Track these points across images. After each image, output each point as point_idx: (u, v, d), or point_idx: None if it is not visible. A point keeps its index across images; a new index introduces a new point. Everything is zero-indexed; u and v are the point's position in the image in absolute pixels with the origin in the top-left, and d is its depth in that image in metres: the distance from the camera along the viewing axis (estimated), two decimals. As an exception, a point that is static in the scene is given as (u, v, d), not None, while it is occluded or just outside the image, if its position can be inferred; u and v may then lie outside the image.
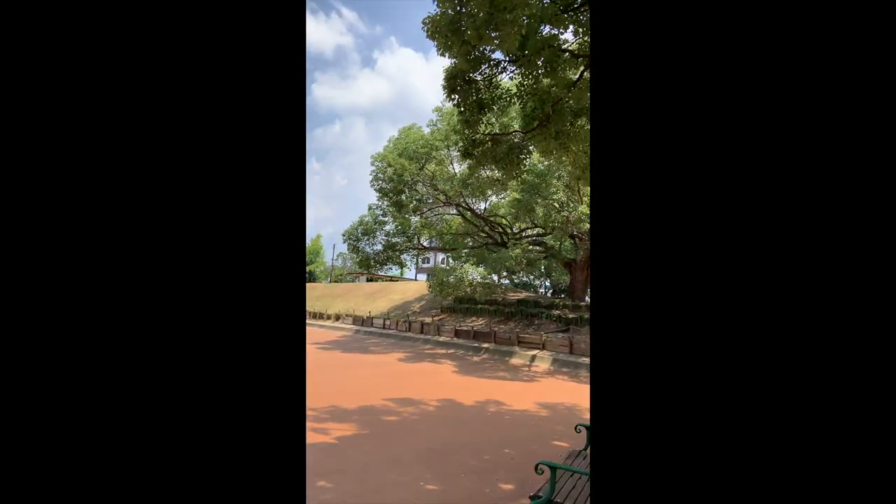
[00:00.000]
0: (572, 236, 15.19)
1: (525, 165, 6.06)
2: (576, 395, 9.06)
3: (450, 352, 15.27)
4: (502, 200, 19.20)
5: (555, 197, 12.06)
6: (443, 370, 11.46)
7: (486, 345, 15.35)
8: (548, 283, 32.43)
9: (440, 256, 43.93)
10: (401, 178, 14.99)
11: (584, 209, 11.71)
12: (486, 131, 6.05)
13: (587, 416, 7.32)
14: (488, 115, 5.58)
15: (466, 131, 5.84)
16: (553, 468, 3.01)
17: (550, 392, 9.20)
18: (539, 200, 12.15)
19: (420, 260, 30.09)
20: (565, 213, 11.92)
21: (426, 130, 16.59)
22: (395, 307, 24.27)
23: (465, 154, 6.23)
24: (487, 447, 5.14)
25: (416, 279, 39.90)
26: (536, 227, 18.89)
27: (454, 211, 19.64)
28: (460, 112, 5.67)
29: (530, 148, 5.65)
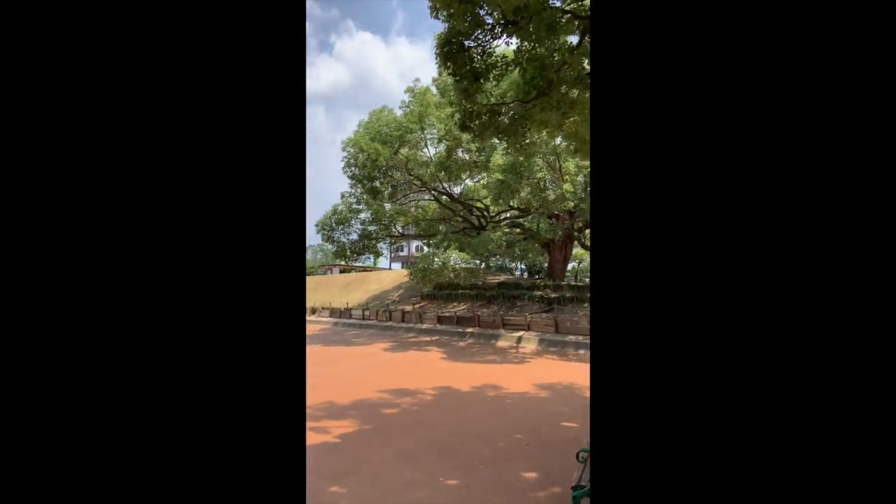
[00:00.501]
0: (552, 216, 15.15)
1: (526, 138, 5.80)
2: (569, 373, 9.02)
3: (434, 339, 15.04)
4: (478, 183, 18.95)
5: (538, 176, 11.91)
6: (431, 357, 11.21)
7: (470, 329, 15.20)
8: (523, 266, 32.64)
9: (414, 244, 43.47)
10: (374, 163, 14.42)
11: (568, 187, 11.63)
12: (484, 102, 5.72)
13: (586, 394, 7.26)
14: (485, 84, 5.25)
15: (464, 102, 5.48)
16: (594, 454, 2.79)
17: (543, 372, 9.13)
18: (523, 180, 11.96)
19: (394, 249, 29.52)
20: (549, 192, 11.79)
21: (398, 113, 16.03)
22: (373, 297, 23.79)
23: (463, 127, 5.88)
24: (497, 434, 4.94)
25: (390, 268, 39.37)
26: (513, 209, 18.78)
27: (429, 196, 19.25)
28: (456, 81, 5.30)
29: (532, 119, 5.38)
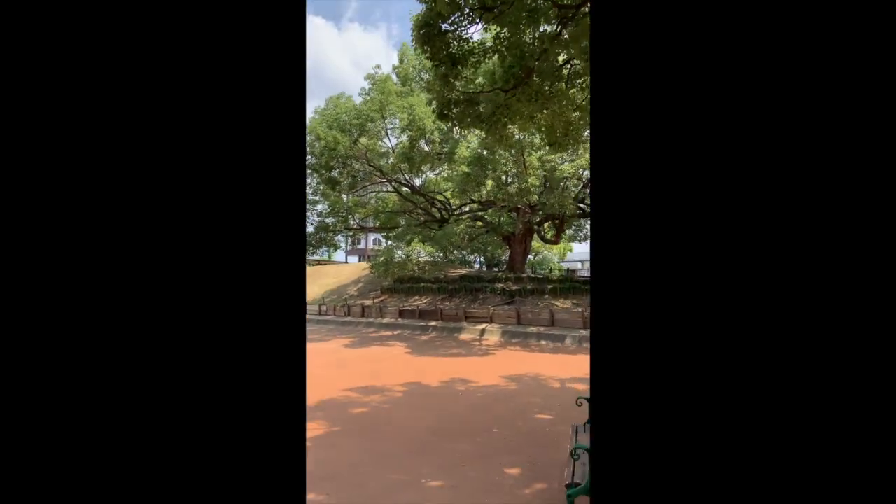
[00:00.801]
0: (514, 209, 15.28)
1: (507, 128, 5.68)
2: (534, 364, 9.14)
3: (395, 333, 14.82)
4: (439, 176, 18.78)
5: (504, 169, 11.89)
6: (394, 353, 11.01)
7: (433, 323, 15.11)
8: (481, 259, 32.96)
9: (372, 238, 42.62)
10: (332, 152, 13.85)
11: (533, 181, 11.71)
12: (463, 90, 5.52)
13: (554, 385, 7.36)
14: (464, 71, 5.06)
15: (442, 90, 5.25)
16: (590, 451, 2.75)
17: (509, 364, 9.19)
18: (488, 173, 11.91)
19: (351, 242, 28.73)
20: (515, 186, 11.85)
21: (357, 100, 15.49)
22: (330, 291, 23.12)
23: (441, 115, 5.65)
24: (474, 429, 4.86)
25: (346, 262, 38.46)
26: (474, 202, 18.81)
27: (389, 188, 18.86)
28: (435, 66, 5.08)
29: (512, 109, 5.25)
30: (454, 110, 5.39)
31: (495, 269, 24.36)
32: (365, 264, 27.30)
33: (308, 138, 14.93)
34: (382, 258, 14.96)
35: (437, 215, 17.98)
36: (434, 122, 12.91)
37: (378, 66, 14.29)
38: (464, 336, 13.58)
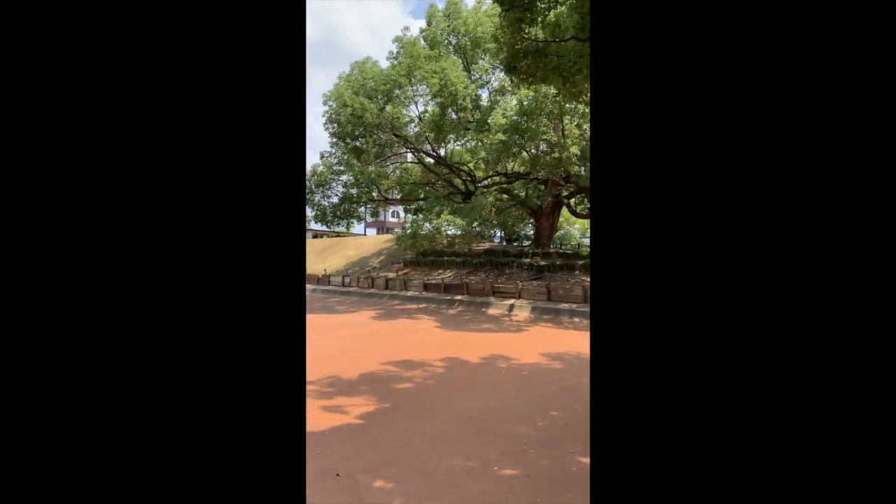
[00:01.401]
0: (543, 182, 14.67)
1: (584, 82, 5.11)
2: (572, 342, 8.82)
3: (421, 306, 14.63)
4: (464, 146, 18.14)
5: (544, 137, 11.31)
6: (424, 326, 10.80)
7: (458, 297, 14.86)
8: (500, 234, 32.46)
9: (391, 210, 42.26)
10: (360, 119, 13.34)
11: (574, 150, 11.09)
12: (534, 36, 4.97)
13: (599, 364, 7.05)
14: (537, 17, 4.50)
15: (514, 37, 4.69)
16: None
17: (545, 341, 8.89)
18: (527, 142, 11.32)
19: (369, 214, 28.40)
20: (556, 155, 11.25)
21: (384, 65, 14.83)
22: (352, 264, 23.03)
23: (509, 69, 5.13)
24: (531, 411, 4.58)
25: (365, 234, 38.33)
26: (499, 174, 18.19)
27: (411, 158, 18.34)
28: (505, 11, 4.53)
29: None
30: (523, 62, 4.84)
31: (516, 244, 23.88)
32: (386, 237, 27.09)
33: (333, 105, 14.42)
34: (410, 230, 14.55)
35: (462, 187, 17.47)
36: (466, 87, 12.27)
37: (406, 28, 13.59)
38: (492, 311, 13.32)
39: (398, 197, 20.59)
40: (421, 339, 8.99)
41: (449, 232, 12.45)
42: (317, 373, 6.05)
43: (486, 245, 19.23)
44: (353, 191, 17.40)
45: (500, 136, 10.45)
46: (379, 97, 13.49)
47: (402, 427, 4.10)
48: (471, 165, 17.63)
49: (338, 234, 41.43)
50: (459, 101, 11.35)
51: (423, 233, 13.65)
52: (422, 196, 18.26)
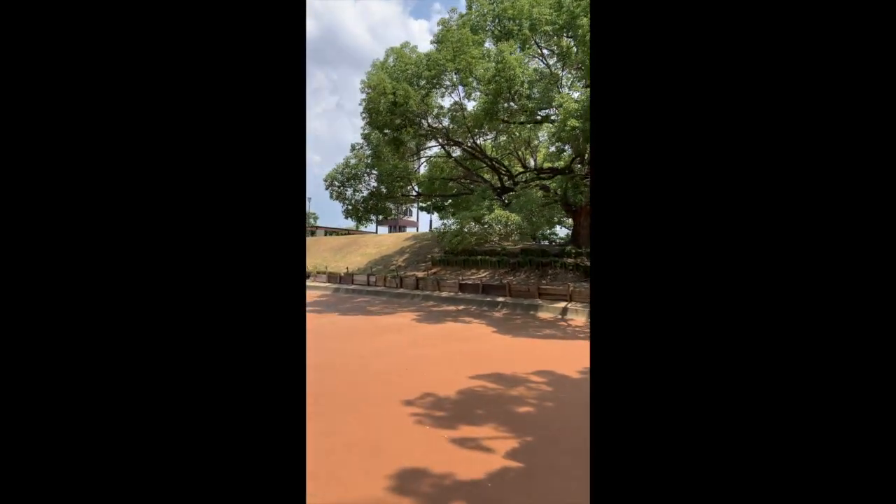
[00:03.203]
0: (587, 177, 13.79)
1: None
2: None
3: (461, 308, 13.73)
4: (505, 139, 17.20)
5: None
6: (479, 331, 9.90)
7: (500, 298, 13.96)
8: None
9: (402, 207, 41.30)
10: (404, 107, 12.42)
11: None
12: None
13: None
14: None
15: None
16: None
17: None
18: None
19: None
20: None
21: (422, 50, 13.87)
22: (374, 262, 22.10)
23: None
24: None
25: (377, 232, 37.37)
26: (529, 169, 17.29)
27: (439, 151, 17.42)
28: None
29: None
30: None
31: (545, 243, 23.00)
32: (406, 234, 26.17)
33: (371, 92, 13.46)
34: (460, 225, 13.53)
35: (497, 183, 16.57)
36: (524, 72, 11.36)
37: (454, 10, 12.65)
38: (542, 314, 12.43)
39: (412, 193, 19.64)
40: (487, 346, 8.09)
41: (506, 228, 11.42)
42: (407, 388, 5.15)
43: (521, 245, 18.31)
44: (383, 187, 16.45)
45: (574, 122, 9.55)
46: (422, 83, 12.57)
47: (575, 473, 3.20)
48: (506, 160, 16.75)
49: (348, 232, 40.53)
50: (516, 88, 10.46)
51: (470, 230, 12.70)
52: (455, 192, 17.36)
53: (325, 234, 36.75)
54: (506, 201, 13.28)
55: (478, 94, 12.75)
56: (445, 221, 17.41)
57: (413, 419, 4.21)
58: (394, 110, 12.75)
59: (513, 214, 11.23)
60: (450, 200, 17.88)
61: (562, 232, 25.05)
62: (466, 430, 3.96)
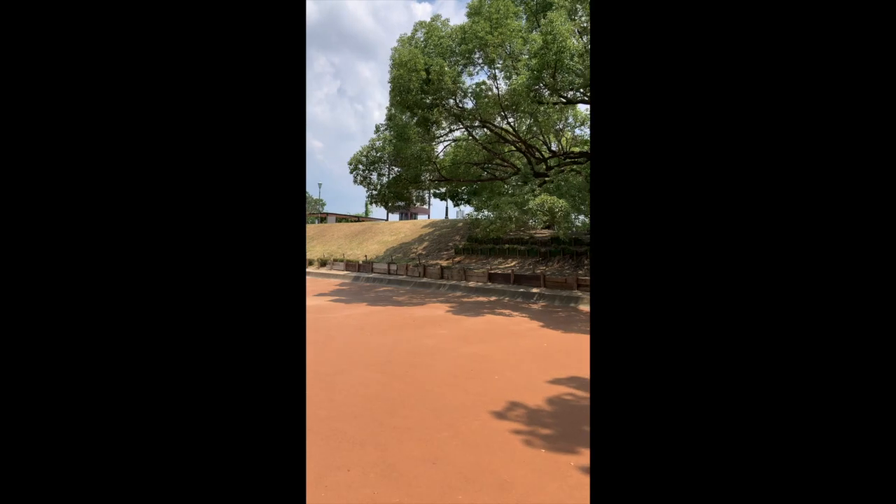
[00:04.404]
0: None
1: None
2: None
3: (492, 299, 13.07)
4: (521, 123, 16.31)
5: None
6: (526, 325, 9.23)
7: (534, 290, 13.28)
8: (532, 221, 30.71)
9: (414, 193, 40.41)
10: (439, 84, 11.56)
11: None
12: None
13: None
14: None
15: None
16: None
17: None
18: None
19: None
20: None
21: (452, 23, 12.93)
22: (393, 250, 21.41)
23: None
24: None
25: (387, 220, 36.57)
26: (556, 154, 16.44)
27: (472, 133, 16.55)
28: None
29: None
30: None
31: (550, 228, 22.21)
32: (424, 221, 25.40)
33: (401, 70, 12.58)
34: (492, 212, 12.75)
35: (523, 169, 15.70)
36: (576, 43, 10.46)
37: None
38: (584, 307, 11.74)
39: (435, 178, 18.79)
40: (543, 344, 7.42)
41: (554, 212, 10.60)
42: (486, 395, 4.48)
43: (547, 233, 17.57)
44: (406, 171, 15.62)
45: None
46: (458, 59, 11.69)
47: None
48: (539, 141, 15.87)
49: (358, 219, 39.79)
50: (566, 62, 9.60)
51: (510, 216, 11.93)
52: (479, 176, 16.53)
53: (337, 221, 36.01)
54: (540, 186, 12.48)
55: (509, 70, 11.84)
56: (463, 208, 16.55)
57: (518, 438, 3.54)
58: (426, 88, 11.90)
59: (560, 200, 10.46)
60: (475, 186, 17.07)
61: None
62: (587, 453, 3.29)
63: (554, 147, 18.40)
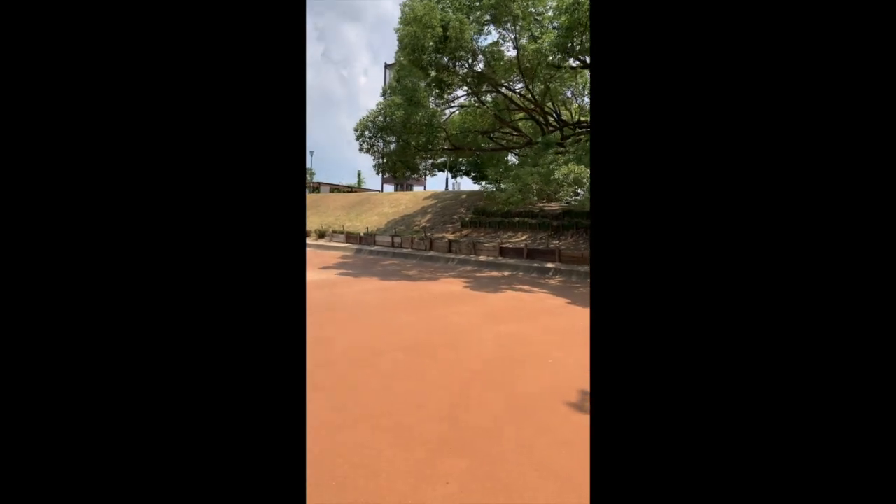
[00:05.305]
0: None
1: None
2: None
3: (505, 274, 12.63)
4: (535, 88, 15.48)
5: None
6: (552, 303, 8.82)
7: (549, 265, 12.86)
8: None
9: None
10: (458, 43, 10.63)
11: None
12: None
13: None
14: None
15: None
16: None
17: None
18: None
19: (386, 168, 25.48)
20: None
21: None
22: (394, 222, 20.72)
23: None
24: None
25: (382, 190, 35.58)
26: (566, 123, 15.76)
27: (481, 99, 15.70)
28: None
29: None
30: None
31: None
32: (425, 193, 24.60)
33: (411, 29, 11.60)
34: (513, 184, 12.06)
35: (548, 137, 14.99)
36: None
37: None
38: (603, 283, 11.38)
39: (444, 146, 17.95)
40: (580, 323, 7.01)
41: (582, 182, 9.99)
42: (553, 386, 4.04)
43: (556, 206, 17.04)
44: (414, 139, 14.78)
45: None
46: (480, 14, 10.74)
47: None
48: (549, 108, 15.10)
49: (351, 189, 38.71)
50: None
51: (530, 186, 11.29)
52: (489, 145, 15.77)
53: (330, 191, 34.92)
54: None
55: (530, 30, 10.97)
56: (460, 180, 15.79)
57: (616, 438, 3.11)
58: (441, 47, 10.99)
59: (586, 169, 9.87)
60: (478, 156, 16.32)
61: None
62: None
63: (563, 116, 17.67)
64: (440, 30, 10.92)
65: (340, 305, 7.71)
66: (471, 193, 21.57)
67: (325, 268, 12.88)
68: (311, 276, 11.25)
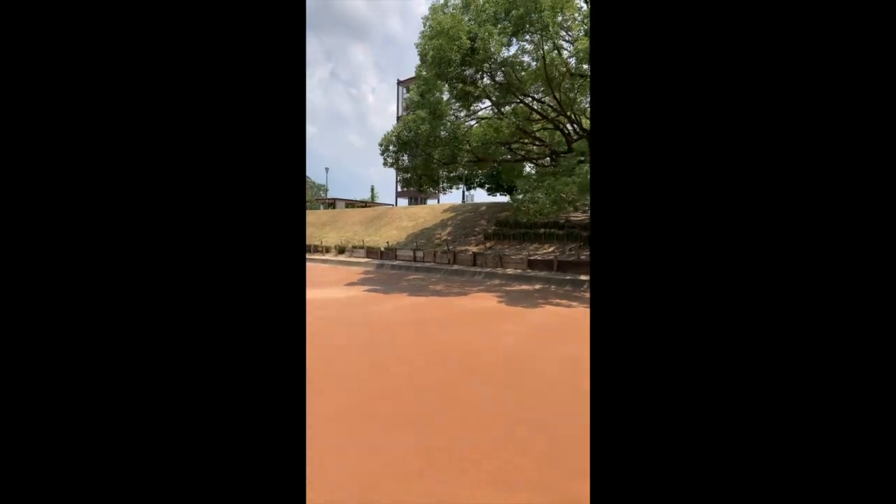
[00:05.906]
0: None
1: None
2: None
3: (536, 287, 12.23)
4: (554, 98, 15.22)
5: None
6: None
7: (583, 277, 12.45)
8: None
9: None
10: (486, 54, 10.43)
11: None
12: None
13: None
14: None
15: None
16: None
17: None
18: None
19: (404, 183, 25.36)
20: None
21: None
22: (414, 236, 20.46)
23: None
24: None
25: (395, 204, 35.49)
26: (586, 133, 15.40)
27: (500, 110, 15.47)
28: None
29: None
30: None
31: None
32: (444, 205, 24.37)
33: (436, 42, 11.43)
34: (547, 194, 11.70)
35: (564, 146, 14.69)
36: None
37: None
38: (643, 296, 10.94)
39: (465, 159, 17.68)
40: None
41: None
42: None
43: (581, 216, 16.66)
44: (438, 151, 14.56)
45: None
46: (507, 26, 10.55)
47: None
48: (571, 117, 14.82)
49: (365, 204, 38.71)
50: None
51: (564, 196, 10.95)
52: (508, 157, 15.51)
53: (346, 207, 34.89)
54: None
55: (557, 38, 10.73)
56: (473, 192, 15.45)
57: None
58: (469, 59, 10.80)
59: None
60: (497, 168, 16.03)
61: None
62: None
63: (584, 125, 17.40)
64: (468, 42, 10.74)
65: (378, 325, 7.37)
66: (490, 205, 21.28)
67: (350, 284, 12.60)
68: (338, 293, 10.96)
